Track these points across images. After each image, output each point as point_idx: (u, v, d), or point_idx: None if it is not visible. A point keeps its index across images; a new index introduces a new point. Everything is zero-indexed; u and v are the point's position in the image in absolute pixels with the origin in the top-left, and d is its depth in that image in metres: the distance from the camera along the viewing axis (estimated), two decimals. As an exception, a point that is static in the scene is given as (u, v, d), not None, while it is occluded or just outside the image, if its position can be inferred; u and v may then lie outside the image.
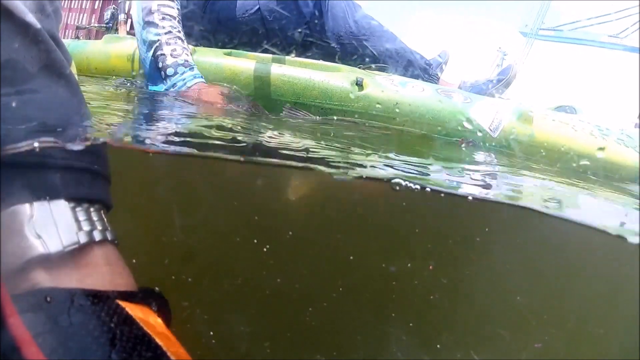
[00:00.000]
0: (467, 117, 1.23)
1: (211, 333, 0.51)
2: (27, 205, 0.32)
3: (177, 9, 1.15)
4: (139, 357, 0.30)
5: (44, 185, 0.33)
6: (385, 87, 1.13)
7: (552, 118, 1.45)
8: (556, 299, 0.67)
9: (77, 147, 0.36)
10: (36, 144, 0.33)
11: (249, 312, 0.61)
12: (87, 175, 0.36)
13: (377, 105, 1.11)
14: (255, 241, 0.61)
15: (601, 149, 1.24)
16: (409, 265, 0.63)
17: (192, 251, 0.60)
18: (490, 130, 1.28)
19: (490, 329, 0.67)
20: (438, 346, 0.65)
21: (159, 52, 1.08)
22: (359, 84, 1.10)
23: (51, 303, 0.30)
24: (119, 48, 1.36)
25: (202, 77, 1.10)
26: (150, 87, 1.13)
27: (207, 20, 1.44)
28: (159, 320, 0.35)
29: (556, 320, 0.66)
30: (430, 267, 0.64)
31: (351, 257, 0.64)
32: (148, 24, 1.10)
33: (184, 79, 1.07)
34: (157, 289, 0.38)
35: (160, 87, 1.10)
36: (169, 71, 1.07)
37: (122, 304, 0.32)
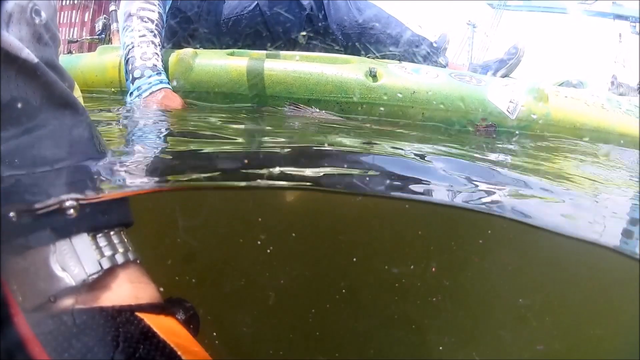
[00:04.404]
0: (484, 101, 1.18)
1: (214, 334, 0.51)
2: (50, 244, 0.34)
3: (159, 12, 1.13)
4: None
5: (63, 223, 0.34)
6: (399, 76, 1.09)
7: (564, 95, 1.41)
8: (556, 301, 0.67)
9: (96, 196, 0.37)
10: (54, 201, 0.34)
11: (253, 313, 0.62)
12: (104, 202, 0.37)
13: (399, 95, 1.06)
14: (259, 242, 0.61)
15: None
16: (411, 268, 0.63)
17: (195, 252, 0.61)
18: (508, 112, 1.23)
19: (491, 331, 0.67)
20: (440, 348, 0.66)
21: (130, 55, 1.07)
22: (373, 75, 1.05)
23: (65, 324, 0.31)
24: (114, 58, 1.30)
25: (168, 83, 1.08)
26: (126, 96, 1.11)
27: (204, 22, 1.39)
28: (183, 329, 0.36)
29: (556, 322, 0.66)
30: (433, 269, 0.64)
31: (354, 259, 0.64)
32: (126, 28, 1.10)
33: (150, 83, 1.05)
34: (185, 299, 0.39)
35: (128, 93, 1.08)
36: (136, 73, 1.05)
37: (142, 315, 0.33)
